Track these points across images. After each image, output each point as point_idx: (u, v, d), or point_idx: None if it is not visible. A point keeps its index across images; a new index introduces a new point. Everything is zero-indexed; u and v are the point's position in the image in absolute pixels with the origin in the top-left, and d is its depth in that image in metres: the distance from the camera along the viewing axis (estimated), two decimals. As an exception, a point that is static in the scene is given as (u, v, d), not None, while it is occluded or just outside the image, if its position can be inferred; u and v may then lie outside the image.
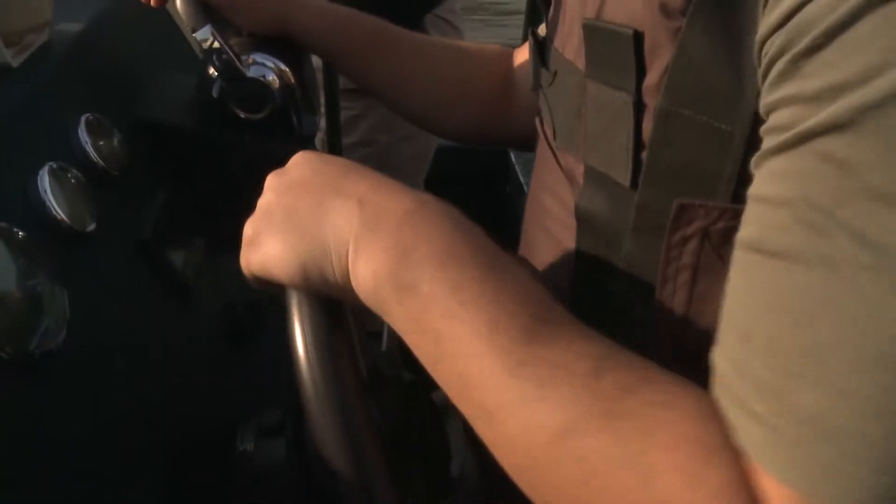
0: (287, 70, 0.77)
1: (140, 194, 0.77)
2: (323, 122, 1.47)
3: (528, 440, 0.40)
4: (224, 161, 0.82)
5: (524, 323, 0.41)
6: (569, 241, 0.56)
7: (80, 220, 0.65)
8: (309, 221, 0.49)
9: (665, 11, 0.42)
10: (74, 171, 0.67)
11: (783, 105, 0.35)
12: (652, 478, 0.36)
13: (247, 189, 0.86)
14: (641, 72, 0.46)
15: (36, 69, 0.73)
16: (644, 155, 0.47)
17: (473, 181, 1.60)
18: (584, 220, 0.53)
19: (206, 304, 0.83)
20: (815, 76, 0.33)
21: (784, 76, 0.35)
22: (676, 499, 0.35)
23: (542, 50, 0.63)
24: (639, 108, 0.46)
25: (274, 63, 0.77)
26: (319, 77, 1.39)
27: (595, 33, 0.49)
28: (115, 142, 0.75)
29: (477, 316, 0.42)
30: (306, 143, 0.79)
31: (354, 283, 0.47)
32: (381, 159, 1.56)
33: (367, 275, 0.46)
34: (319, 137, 1.53)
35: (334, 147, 1.42)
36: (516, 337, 0.41)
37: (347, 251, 0.47)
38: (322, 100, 1.41)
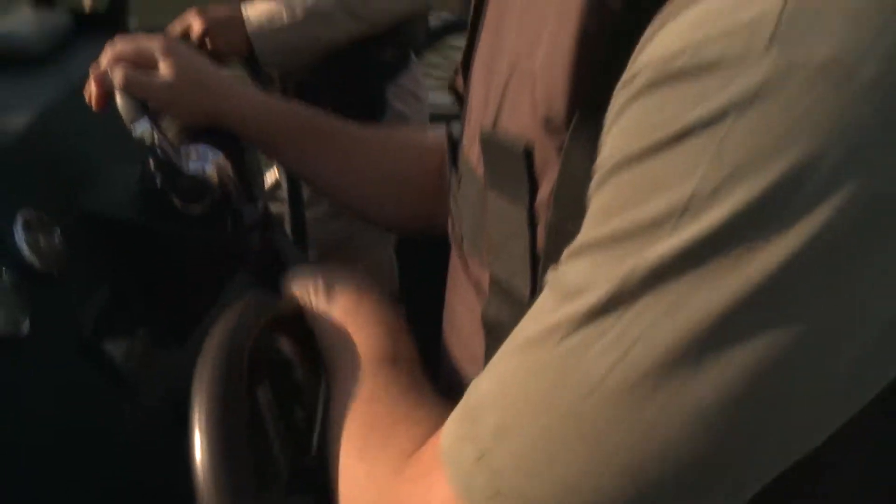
0: (226, 161, 0.77)
1: (80, 290, 0.77)
2: (285, 194, 1.47)
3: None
4: (166, 252, 0.82)
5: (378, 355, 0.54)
6: (479, 349, 0.54)
7: (11, 323, 0.64)
8: None
9: (549, 127, 0.41)
10: (6, 270, 0.67)
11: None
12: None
13: (189, 279, 0.86)
14: (534, 187, 0.45)
15: None
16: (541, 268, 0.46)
17: (446, 245, 1.59)
18: (490, 330, 0.53)
19: (150, 395, 0.82)
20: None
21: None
22: None
23: (455, 151, 0.62)
24: (533, 222, 0.46)
25: (213, 154, 0.77)
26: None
27: (491, 146, 0.49)
28: (56, 238, 0.75)
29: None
30: (247, 234, 0.79)
31: None
32: (348, 231, 1.56)
33: None
34: (286, 210, 1.53)
35: (297, 220, 1.42)
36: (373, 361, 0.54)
37: None
38: (284, 177, 1.41)
